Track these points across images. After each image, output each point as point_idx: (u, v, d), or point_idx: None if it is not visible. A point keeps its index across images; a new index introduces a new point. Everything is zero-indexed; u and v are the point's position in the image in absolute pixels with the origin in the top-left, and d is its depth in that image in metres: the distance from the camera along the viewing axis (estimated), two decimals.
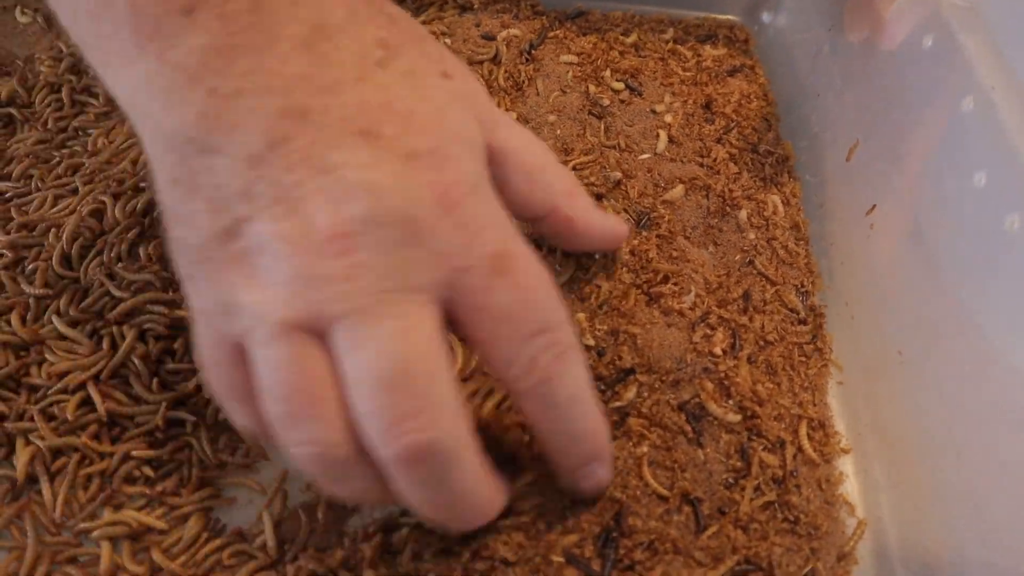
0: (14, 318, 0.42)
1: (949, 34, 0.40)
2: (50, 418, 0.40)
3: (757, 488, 0.40)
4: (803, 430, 0.43)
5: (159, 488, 0.39)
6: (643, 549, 0.38)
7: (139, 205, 0.47)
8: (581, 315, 0.46)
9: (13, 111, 0.57)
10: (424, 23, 0.63)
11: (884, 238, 0.46)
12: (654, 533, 0.39)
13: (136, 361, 0.41)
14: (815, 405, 0.45)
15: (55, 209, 0.49)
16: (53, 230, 0.46)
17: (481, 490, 0.33)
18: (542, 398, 0.33)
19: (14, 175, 0.53)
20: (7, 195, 0.52)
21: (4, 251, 0.45)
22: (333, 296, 0.28)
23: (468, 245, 0.30)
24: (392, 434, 0.29)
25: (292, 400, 0.29)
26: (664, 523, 0.39)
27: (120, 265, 0.44)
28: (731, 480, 0.41)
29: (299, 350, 0.28)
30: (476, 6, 0.65)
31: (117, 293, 0.43)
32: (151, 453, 0.40)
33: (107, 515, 0.38)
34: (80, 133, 0.56)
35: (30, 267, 0.45)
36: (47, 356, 0.42)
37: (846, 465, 0.43)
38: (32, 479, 0.39)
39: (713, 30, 0.67)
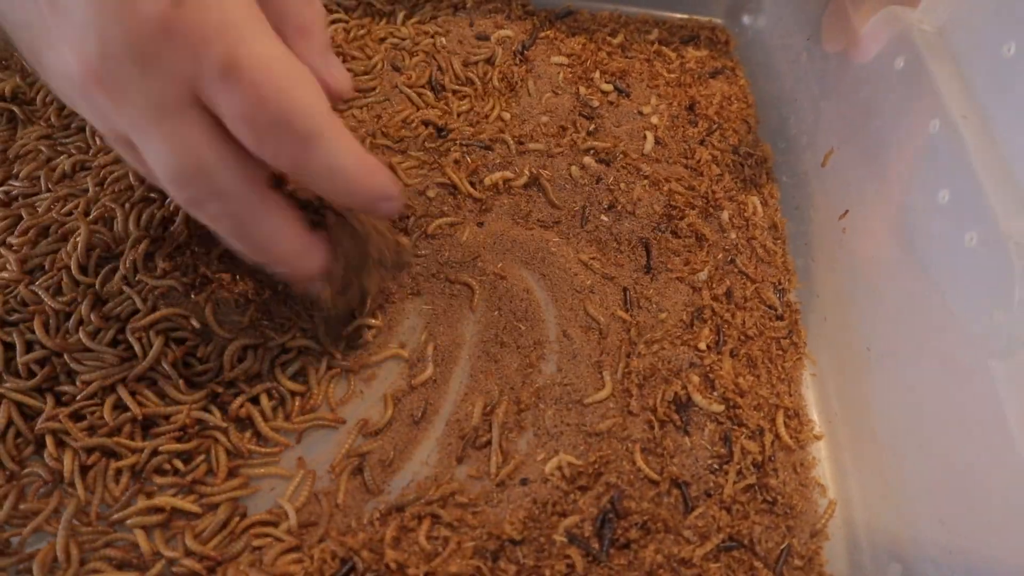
0: (38, 328, 0.44)
1: (919, 58, 0.44)
2: (78, 419, 0.43)
3: (739, 472, 0.44)
4: (780, 419, 0.47)
5: (189, 478, 0.42)
6: (637, 528, 0.42)
7: (156, 218, 0.49)
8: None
9: (15, 108, 0.58)
10: (419, 23, 0.65)
11: (856, 241, 0.50)
12: (647, 514, 0.43)
13: (166, 366, 0.43)
14: (791, 396, 0.49)
15: (65, 209, 0.50)
16: (70, 241, 0.47)
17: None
18: (305, 176, 0.37)
19: (21, 175, 0.54)
20: (13, 193, 0.53)
21: (13, 267, 0.46)
22: (114, 118, 0.35)
23: (194, 58, 0.33)
24: (196, 211, 0.37)
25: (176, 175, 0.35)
26: (655, 505, 0.43)
27: (138, 276, 0.46)
28: (715, 465, 0.45)
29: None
30: (469, 5, 0.67)
31: (141, 305, 0.45)
32: (180, 447, 0.42)
33: (141, 502, 0.41)
34: (83, 130, 0.57)
35: (48, 279, 0.46)
36: (73, 366, 0.43)
37: (819, 450, 0.48)
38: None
39: (696, 31, 0.69)
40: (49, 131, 0.57)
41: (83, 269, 0.47)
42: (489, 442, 0.46)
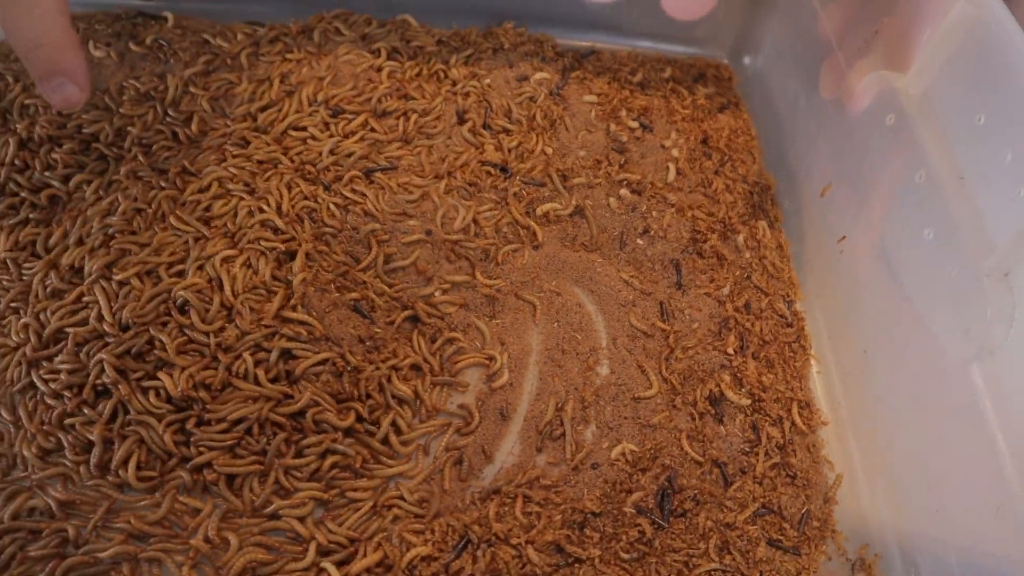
0: (195, 369, 0.52)
1: (907, 118, 0.54)
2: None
3: (766, 453, 0.55)
4: (795, 409, 0.58)
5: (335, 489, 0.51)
6: (690, 500, 0.53)
7: (294, 267, 0.57)
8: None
9: (102, 148, 0.65)
10: (466, 65, 0.73)
11: (851, 261, 0.61)
12: (696, 489, 0.53)
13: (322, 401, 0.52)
14: (802, 390, 0.60)
15: (194, 263, 0.57)
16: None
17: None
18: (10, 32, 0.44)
19: (118, 211, 0.61)
20: (111, 232, 0.60)
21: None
22: None
23: None
24: None
25: None
26: (702, 481, 0.54)
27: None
28: (747, 448, 0.56)
29: None
30: (507, 47, 0.76)
31: (302, 351, 0.53)
32: (341, 458, 0.52)
33: (300, 494, 0.49)
34: (165, 172, 0.64)
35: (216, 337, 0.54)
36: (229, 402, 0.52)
37: (827, 434, 0.59)
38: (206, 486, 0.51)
39: (703, 70, 0.80)
40: (137, 167, 0.64)
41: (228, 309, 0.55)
42: (563, 434, 0.55)
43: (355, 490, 0.51)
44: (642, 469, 0.54)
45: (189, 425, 0.51)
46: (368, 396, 0.54)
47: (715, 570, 0.50)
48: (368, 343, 0.56)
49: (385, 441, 0.53)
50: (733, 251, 0.66)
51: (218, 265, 0.56)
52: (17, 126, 0.66)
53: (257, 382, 0.52)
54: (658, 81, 0.77)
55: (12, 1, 0.43)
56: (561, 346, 0.60)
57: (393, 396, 0.54)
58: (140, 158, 0.65)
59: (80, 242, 0.60)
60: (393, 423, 0.53)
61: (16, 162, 0.64)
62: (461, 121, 0.68)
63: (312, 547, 0.48)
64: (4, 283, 0.59)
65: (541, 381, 0.58)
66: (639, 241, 0.66)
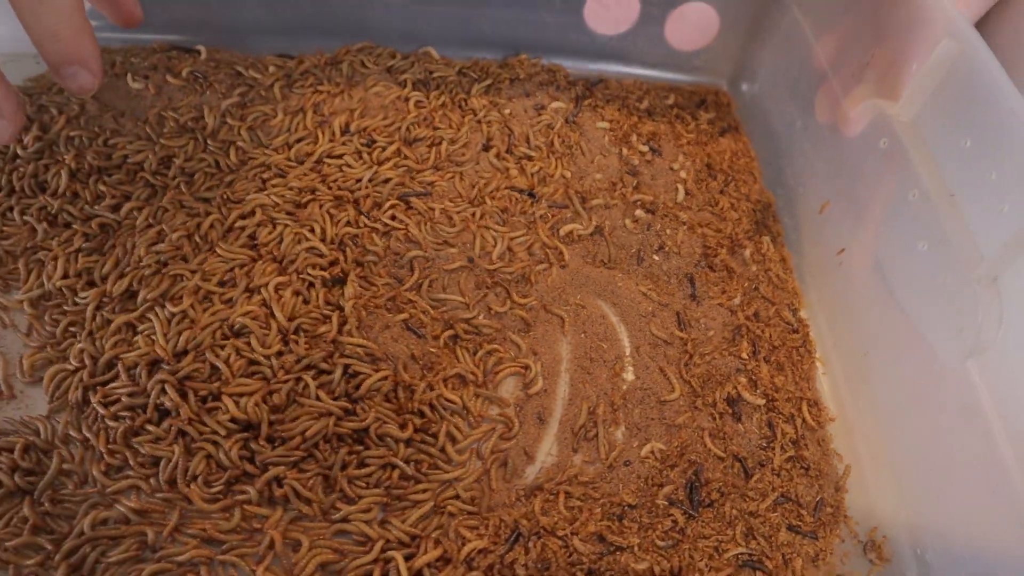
0: (253, 391, 0.56)
1: (899, 142, 0.60)
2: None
3: (782, 448, 0.60)
4: (804, 407, 0.64)
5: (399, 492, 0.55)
6: (716, 492, 0.58)
7: (346, 292, 0.62)
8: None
9: (149, 176, 0.69)
10: (486, 95, 0.78)
11: (850, 272, 0.67)
12: (720, 482, 0.58)
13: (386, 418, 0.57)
14: (810, 390, 0.65)
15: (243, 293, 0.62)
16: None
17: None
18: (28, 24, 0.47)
19: (168, 238, 0.64)
20: (163, 259, 0.64)
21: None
22: None
23: None
24: None
25: None
26: (725, 475, 0.59)
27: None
28: (764, 443, 0.61)
29: None
30: (523, 77, 0.81)
31: (362, 369, 0.58)
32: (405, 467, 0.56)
33: (365, 500, 0.54)
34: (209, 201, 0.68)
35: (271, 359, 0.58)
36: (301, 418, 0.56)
37: (834, 429, 0.64)
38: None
39: (704, 96, 0.86)
40: (181, 196, 0.68)
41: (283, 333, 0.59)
42: (596, 435, 0.60)
43: (416, 493, 0.55)
44: (671, 465, 0.59)
45: (254, 444, 0.55)
46: (422, 409, 0.58)
47: (742, 554, 0.55)
48: (422, 361, 0.60)
49: (443, 449, 0.57)
50: (741, 264, 0.72)
51: (272, 291, 0.61)
52: (65, 157, 0.69)
53: (320, 400, 0.56)
54: (663, 107, 0.83)
55: (30, 5, 0.46)
56: (589, 355, 0.65)
57: (444, 408, 0.59)
58: (183, 188, 0.69)
59: (131, 269, 0.63)
60: (448, 433, 0.58)
61: (67, 192, 0.68)
62: (486, 148, 0.74)
63: (379, 544, 0.52)
64: (62, 309, 0.62)
65: (572, 387, 0.63)
66: (655, 257, 0.71)
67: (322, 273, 0.62)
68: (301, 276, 0.62)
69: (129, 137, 0.72)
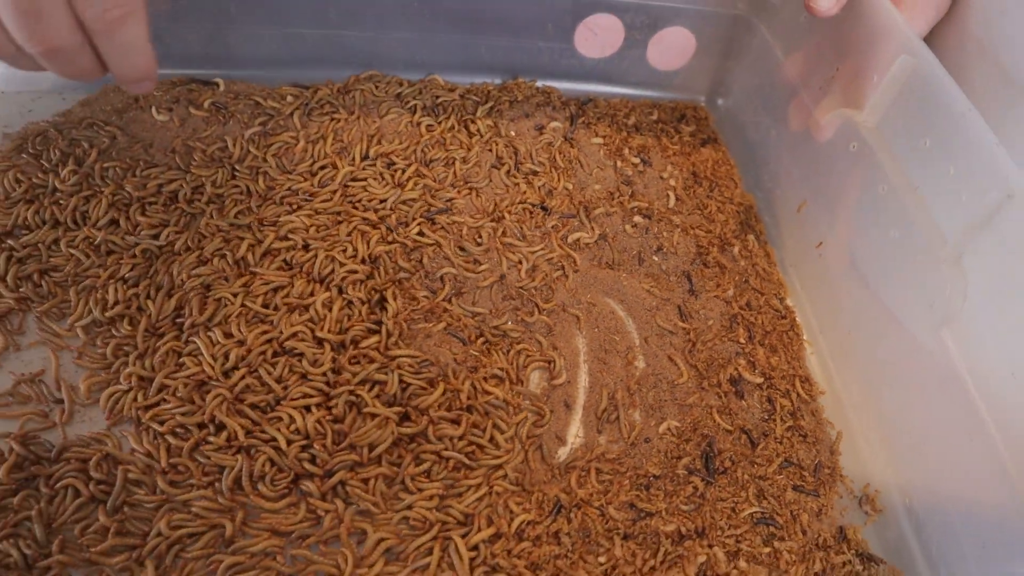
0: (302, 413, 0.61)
1: (867, 145, 0.69)
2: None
3: (781, 419, 0.68)
4: (797, 383, 0.71)
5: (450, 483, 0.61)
6: (728, 460, 0.65)
7: (388, 308, 0.67)
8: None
9: (183, 206, 0.74)
10: (489, 116, 0.85)
11: (829, 262, 0.75)
12: (731, 451, 0.65)
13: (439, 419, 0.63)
14: (801, 367, 0.73)
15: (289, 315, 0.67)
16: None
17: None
18: (105, 39, 0.54)
19: (209, 263, 0.69)
20: (207, 282, 0.68)
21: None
22: None
23: None
24: (100, 18, 0.52)
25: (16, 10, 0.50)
26: (734, 445, 0.66)
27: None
28: (766, 416, 0.68)
29: None
30: (520, 99, 0.89)
31: (415, 380, 0.63)
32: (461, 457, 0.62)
33: (426, 491, 0.59)
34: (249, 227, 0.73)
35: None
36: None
37: (825, 401, 0.72)
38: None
39: (683, 111, 0.94)
40: (218, 223, 0.73)
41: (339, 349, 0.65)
42: (617, 417, 0.67)
43: (469, 479, 0.60)
44: (686, 439, 0.66)
45: (314, 449, 0.60)
46: (471, 405, 0.64)
47: (756, 512, 0.62)
48: (465, 363, 0.66)
49: (491, 439, 0.63)
50: (731, 260, 0.80)
51: (320, 307, 0.66)
52: (104, 190, 0.74)
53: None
54: (649, 123, 0.91)
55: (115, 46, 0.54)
56: (603, 347, 0.71)
57: (489, 404, 0.65)
58: (215, 214, 0.74)
59: (176, 292, 0.67)
60: (494, 424, 0.63)
61: (109, 222, 0.72)
62: (496, 167, 0.80)
63: (438, 526, 0.58)
64: (111, 333, 0.66)
65: (591, 376, 0.70)
66: (655, 258, 0.78)
67: (358, 294, 0.67)
68: (343, 295, 0.68)
69: (161, 167, 0.77)
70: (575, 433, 0.66)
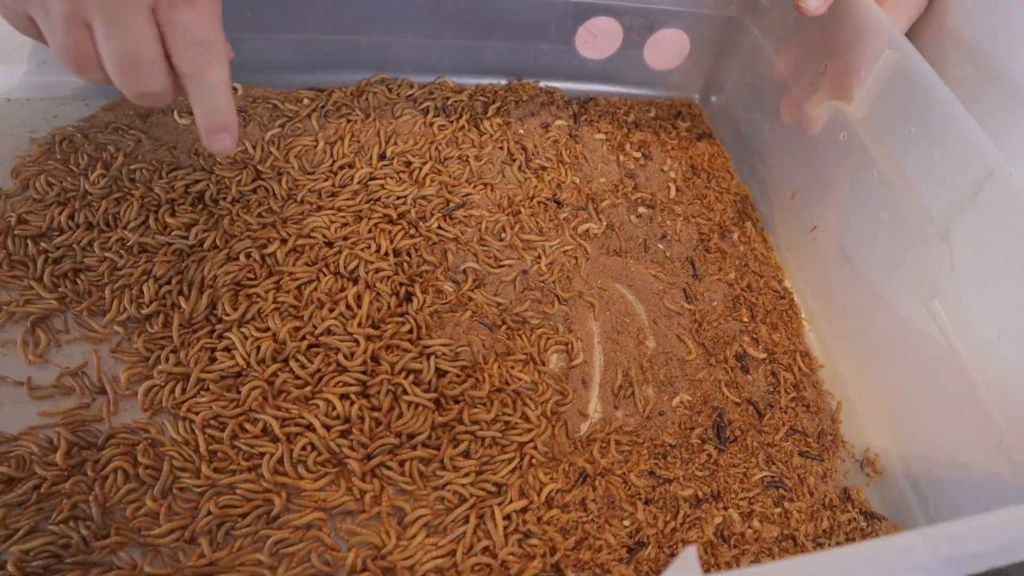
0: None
1: (856, 135, 0.74)
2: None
3: (785, 391, 0.73)
4: (798, 357, 0.76)
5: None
6: (738, 430, 0.69)
7: (415, 301, 0.71)
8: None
9: (210, 206, 0.77)
10: (498, 115, 0.90)
11: (823, 245, 0.80)
12: (740, 422, 0.70)
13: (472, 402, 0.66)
14: (801, 343, 0.78)
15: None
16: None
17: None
18: (195, 81, 0.56)
19: (238, 261, 0.72)
20: (237, 279, 0.71)
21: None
22: (88, 4, 0.52)
23: None
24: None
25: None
26: (742, 416, 0.71)
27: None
28: (770, 389, 0.73)
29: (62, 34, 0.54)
30: (526, 99, 0.93)
31: (451, 367, 0.67)
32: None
33: (464, 468, 0.63)
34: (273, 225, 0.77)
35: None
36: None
37: (824, 373, 0.77)
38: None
39: (679, 108, 0.99)
40: (245, 222, 0.76)
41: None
42: (632, 393, 0.71)
43: (503, 455, 0.64)
44: (697, 412, 0.70)
45: (355, 433, 0.63)
46: (501, 388, 0.68)
47: (766, 476, 0.67)
48: (493, 349, 0.70)
49: (523, 416, 0.67)
50: (731, 246, 0.84)
51: (352, 300, 0.70)
52: (134, 192, 0.77)
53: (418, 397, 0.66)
54: (647, 119, 0.96)
55: (202, 86, 0.57)
56: (616, 328, 0.76)
57: (518, 389, 0.69)
58: (240, 214, 0.77)
59: (207, 290, 0.70)
60: (524, 403, 0.67)
61: (140, 224, 0.75)
62: (508, 163, 0.85)
63: (473, 499, 0.62)
64: (146, 330, 0.68)
65: (606, 356, 0.74)
66: (659, 245, 0.83)
67: (386, 288, 0.71)
68: (371, 289, 0.71)
69: (187, 169, 0.80)
70: (594, 408, 0.70)
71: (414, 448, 0.63)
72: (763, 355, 0.75)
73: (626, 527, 0.62)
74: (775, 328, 0.78)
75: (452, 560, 0.59)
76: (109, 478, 0.60)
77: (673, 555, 0.61)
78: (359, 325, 0.68)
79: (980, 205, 0.60)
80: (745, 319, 0.78)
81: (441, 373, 0.67)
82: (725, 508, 0.64)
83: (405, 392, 0.65)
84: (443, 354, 0.68)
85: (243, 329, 0.68)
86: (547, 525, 0.61)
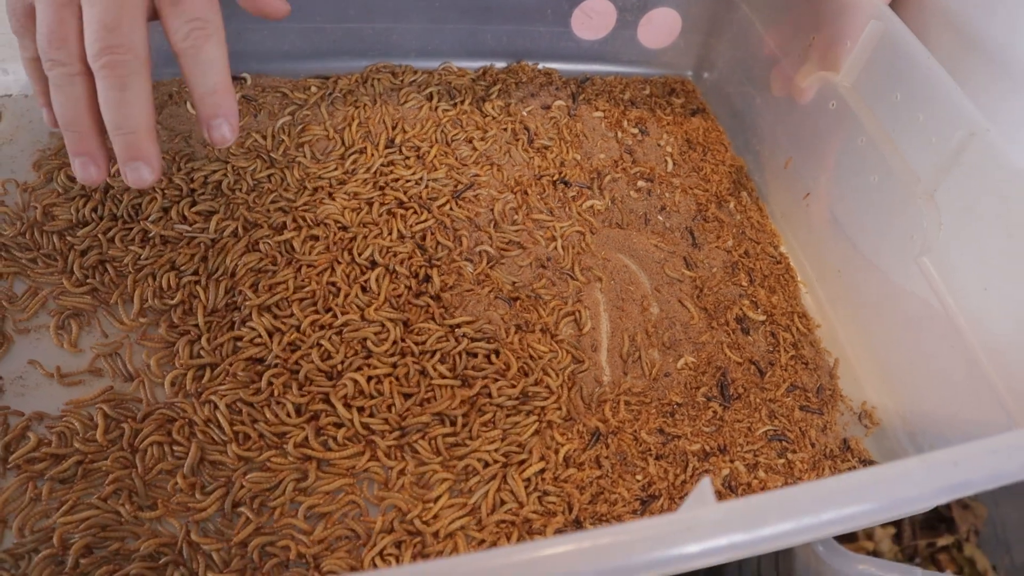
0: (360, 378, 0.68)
1: (845, 102, 0.77)
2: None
3: (784, 350, 0.76)
4: (796, 319, 0.80)
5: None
6: (741, 387, 0.73)
7: (434, 281, 0.74)
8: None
9: (228, 193, 0.80)
10: (499, 98, 0.93)
11: (816, 210, 0.84)
12: (743, 380, 0.74)
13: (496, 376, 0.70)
14: (798, 305, 0.82)
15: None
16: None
17: (143, 112, 0.55)
18: (190, 56, 0.56)
19: (257, 250, 0.75)
20: (258, 267, 0.74)
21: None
22: None
23: None
24: (102, 52, 0.52)
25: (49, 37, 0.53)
26: (744, 375, 0.74)
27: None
28: (770, 349, 0.77)
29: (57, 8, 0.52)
30: (525, 80, 0.96)
31: (477, 347, 0.70)
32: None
33: (491, 436, 0.66)
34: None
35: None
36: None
37: (821, 333, 0.80)
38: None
39: (673, 86, 1.02)
40: (256, 211, 0.79)
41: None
42: (639, 357, 0.75)
43: (526, 421, 0.68)
44: (701, 372, 0.74)
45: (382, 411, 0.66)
46: (524, 362, 0.71)
47: (769, 430, 0.70)
48: (514, 322, 0.73)
49: (545, 385, 0.70)
50: (728, 215, 0.88)
51: (375, 283, 0.73)
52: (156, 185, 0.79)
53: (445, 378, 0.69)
54: (643, 97, 0.99)
55: (198, 64, 0.57)
56: (620, 296, 0.79)
57: (539, 356, 0.72)
58: (256, 203, 0.79)
59: (225, 278, 0.72)
60: (545, 372, 0.71)
61: (162, 214, 0.77)
62: (513, 143, 0.88)
63: (497, 464, 0.65)
64: (170, 319, 0.70)
65: (612, 323, 0.77)
66: (659, 217, 0.86)
67: (404, 271, 0.74)
68: (391, 273, 0.74)
69: (202, 160, 0.83)
70: (604, 372, 0.74)
71: (442, 423, 0.66)
72: (762, 317, 0.79)
73: (639, 481, 0.66)
74: (773, 291, 0.82)
75: (476, 518, 0.62)
76: (148, 451, 0.64)
77: None
78: (377, 310, 0.71)
79: (963, 164, 0.64)
80: (744, 284, 0.81)
81: (471, 354, 0.70)
82: (731, 461, 0.68)
83: (431, 372, 0.68)
84: (469, 334, 0.71)
85: (265, 317, 0.70)
86: (564, 483, 0.65)
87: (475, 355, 0.70)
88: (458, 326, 0.72)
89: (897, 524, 1.04)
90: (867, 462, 0.71)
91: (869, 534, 1.06)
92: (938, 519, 1.07)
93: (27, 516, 0.59)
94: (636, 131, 0.94)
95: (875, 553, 1.04)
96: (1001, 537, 1.08)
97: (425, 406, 0.67)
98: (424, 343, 0.70)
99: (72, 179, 0.79)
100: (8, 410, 0.64)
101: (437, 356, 0.69)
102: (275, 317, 0.70)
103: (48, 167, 0.80)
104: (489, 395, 0.68)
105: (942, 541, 1.05)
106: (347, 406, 0.66)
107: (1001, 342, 0.62)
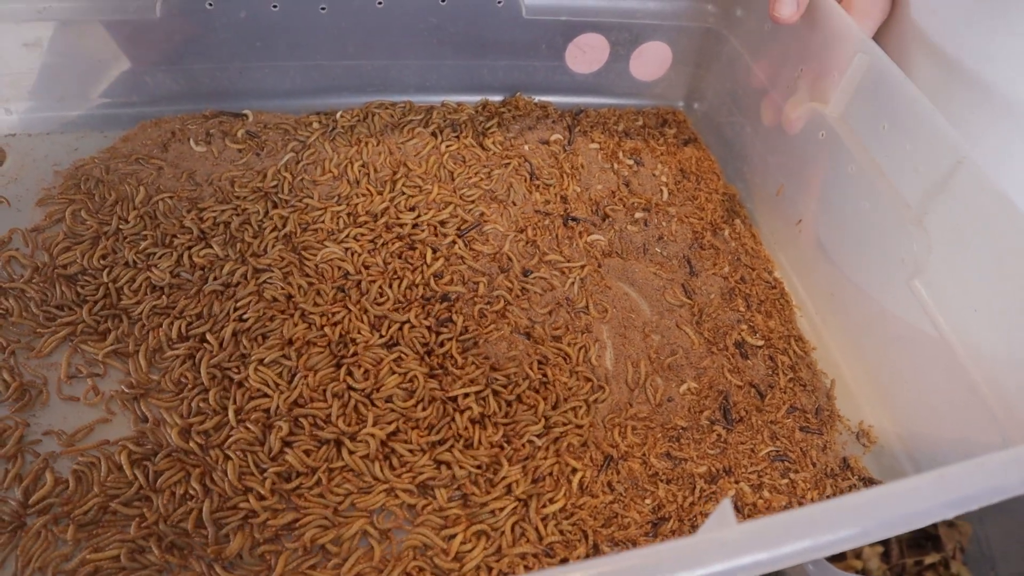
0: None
1: (834, 132, 0.80)
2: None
3: (783, 373, 0.78)
4: (792, 342, 0.82)
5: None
6: (743, 410, 0.75)
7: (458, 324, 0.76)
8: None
9: (235, 236, 0.80)
10: (498, 130, 0.95)
11: (808, 237, 0.86)
12: (744, 403, 0.75)
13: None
14: (794, 328, 0.84)
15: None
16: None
17: None
18: None
19: (270, 296, 0.76)
20: (268, 314, 0.75)
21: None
22: None
23: None
24: None
25: None
26: (746, 398, 0.76)
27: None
28: (769, 372, 0.79)
29: None
30: (522, 113, 0.98)
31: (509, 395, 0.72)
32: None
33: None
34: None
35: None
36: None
37: (818, 355, 0.83)
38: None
39: (664, 116, 1.05)
40: (276, 252, 0.80)
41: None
42: (644, 383, 0.76)
43: (546, 454, 0.69)
44: (704, 396, 0.76)
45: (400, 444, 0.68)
46: (549, 390, 0.72)
47: (772, 451, 0.72)
48: (537, 356, 0.75)
49: (569, 415, 0.71)
50: (723, 243, 0.90)
51: (394, 328, 0.74)
52: (163, 223, 0.80)
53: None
54: (636, 128, 1.01)
55: None
56: (623, 324, 0.81)
57: (562, 385, 0.73)
58: (261, 246, 0.80)
59: (231, 323, 0.73)
60: (567, 402, 0.72)
61: (174, 260, 0.77)
62: (515, 179, 0.90)
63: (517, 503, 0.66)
64: (179, 369, 0.70)
65: (616, 350, 0.79)
66: (657, 248, 0.89)
67: (427, 322, 0.75)
68: (404, 323, 0.75)
69: (209, 200, 0.84)
70: (611, 398, 0.75)
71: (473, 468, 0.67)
72: (760, 342, 0.81)
73: (648, 504, 0.67)
74: (769, 316, 0.84)
75: (497, 552, 0.63)
76: (166, 493, 0.64)
77: (694, 526, 0.66)
78: (399, 361, 0.72)
79: (951, 190, 0.66)
80: (741, 309, 0.83)
81: (508, 403, 0.72)
82: (737, 482, 0.70)
83: (460, 421, 0.69)
84: (503, 385, 0.73)
85: (268, 369, 0.70)
86: (579, 509, 0.66)
87: (511, 403, 0.72)
88: (495, 379, 0.73)
89: (885, 543, 1.06)
90: (867, 479, 0.73)
91: (857, 553, 1.07)
92: (924, 537, 1.08)
93: (48, 558, 0.59)
94: (631, 162, 0.96)
95: (864, 572, 1.06)
96: (986, 553, 1.10)
97: (461, 458, 0.68)
98: (455, 394, 0.71)
99: (84, 223, 0.80)
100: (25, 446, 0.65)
101: (471, 398, 0.71)
102: (289, 368, 0.70)
103: (53, 208, 0.81)
104: (518, 436, 0.69)
105: (929, 559, 1.06)
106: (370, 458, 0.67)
107: (992, 361, 0.64)
